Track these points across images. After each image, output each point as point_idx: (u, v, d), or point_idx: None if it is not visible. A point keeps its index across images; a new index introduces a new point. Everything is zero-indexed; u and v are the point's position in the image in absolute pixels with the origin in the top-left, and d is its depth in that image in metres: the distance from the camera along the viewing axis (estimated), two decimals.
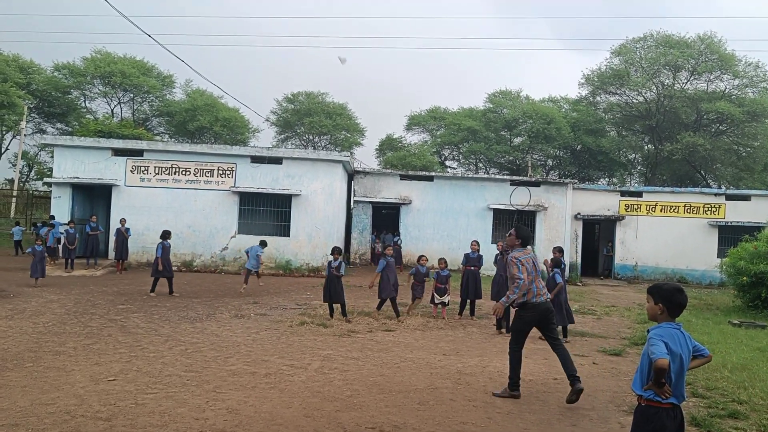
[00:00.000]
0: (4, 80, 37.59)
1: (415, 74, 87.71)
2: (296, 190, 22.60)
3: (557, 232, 26.18)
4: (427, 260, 13.89)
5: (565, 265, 12.66)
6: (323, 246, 22.65)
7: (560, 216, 26.58)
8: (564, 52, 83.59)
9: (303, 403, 6.87)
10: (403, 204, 26.62)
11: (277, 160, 23.00)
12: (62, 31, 66.60)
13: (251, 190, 22.57)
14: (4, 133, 43.83)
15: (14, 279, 17.60)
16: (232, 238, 22.71)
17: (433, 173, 28.81)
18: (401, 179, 27.12)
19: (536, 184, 27.43)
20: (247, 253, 17.81)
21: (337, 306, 12.77)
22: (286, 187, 22.67)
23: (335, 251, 13.09)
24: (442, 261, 14.03)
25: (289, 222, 22.77)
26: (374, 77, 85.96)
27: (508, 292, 7.53)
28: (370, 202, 27.02)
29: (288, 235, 22.73)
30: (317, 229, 22.75)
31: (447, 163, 50.92)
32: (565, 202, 26.73)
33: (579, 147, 46.45)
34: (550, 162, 49.81)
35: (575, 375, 7.20)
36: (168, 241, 15.89)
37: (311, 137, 50.96)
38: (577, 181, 35.20)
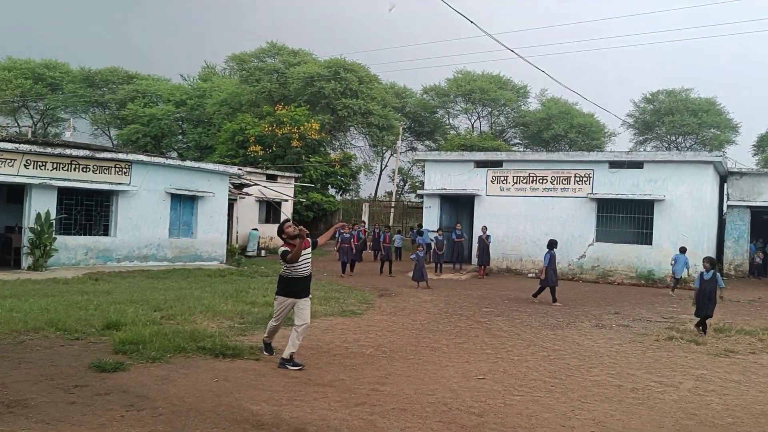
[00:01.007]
0: (383, 105, 43.07)
1: None
2: (659, 195, 21.18)
3: None
4: None
5: None
6: (691, 256, 20.74)
7: None
8: None
9: (676, 424, 6.39)
10: None
11: (638, 164, 21.89)
12: (428, 57, 73.60)
13: (609, 196, 21.88)
14: (384, 151, 50.15)
15: (396, 281, 20.00)
16: (589, 245, 22.30)
17: None
18: None
19: None
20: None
21: (709, 321, 11.62)
22: (648, 192, 21.41)
23: (707, 261, 11.94)
24: None
25: (652, 229, 21.43)
26: (748, 65, 75.95)
27: None
28: (748, 207, 23.93)
29: (650, 244, 21.43)
30: (683, 236, 20.95)
31: None
32: None
33: None
34: None
35: None
36: (554, 250, 16.12)
37: (673, 138, 47.33)
38: None
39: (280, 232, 8.36)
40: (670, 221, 21.17)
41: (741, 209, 24.17)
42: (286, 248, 8.16)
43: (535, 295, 15.96)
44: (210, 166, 23.84)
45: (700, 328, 11.64)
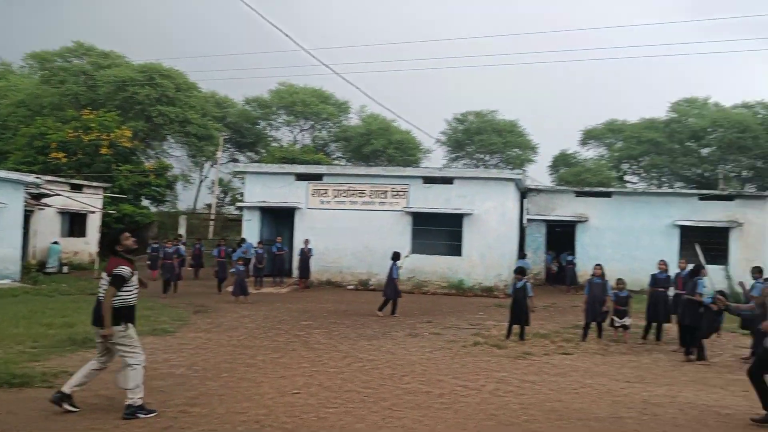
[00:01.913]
0: (203, 115, 41.73)
1: (589, 86, 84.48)
2: (468, 209, 22.60)
3: (755, 250, 23.70)
4: (601, 270, 13.12)
5: None
6: (496, 266, 22.41)
7: (759, 233, 24.08)
8: (761, 51, 75.98)
9: (478, 425, 6.79)
10: (579, 222, 25.62)
11: (449, 180, 23.20)
12: (251, 68, 72.69)
13: (423, 210, 22.94)
14: (203, 162, 48.53)
15: (214, 295, 19.34)
16: (405, 257, 23.14)
17: (611, 189, 27.51)
18: (577, 196, 26.17)
19: (729, 198, 25.13)
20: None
21: (516, 328, 12.55)
22: (458, 206, 22.76)
23: (518, 272, 12.92)
24: (621, 281, 13.31)
25: (461, 241, 22.79)
26: (546, 91, 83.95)
27: None
28: (544, 221, 26.33)
29: (460, 255, 22.76)
30: (490, 248, 22.54)
31: (626, 178, 48.32)
32: (765, 218, 24.18)
33: None
34: (745, 173, 45.45)
35: None
36: (396, 262, 16.26)
37: (482, 156, 50.87)
38: None
39: (114, 243, 6.76)
40: (477, 234, 22.64)
41: (538, 222, 26.50)
42: (125, 267, 6.66)
43: (380, 309, 16.01)
44: (2, 173, 21.51)
45: (509, 334, 12.54)
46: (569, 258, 25.12)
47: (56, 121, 35.09)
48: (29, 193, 23.65)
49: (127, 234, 6.91)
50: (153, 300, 16.71)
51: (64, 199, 26.84)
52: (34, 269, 23.34)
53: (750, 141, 40.22)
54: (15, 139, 35.44)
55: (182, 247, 23.38)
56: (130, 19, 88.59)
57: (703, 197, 25.09)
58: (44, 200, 25.81)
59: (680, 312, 11.96)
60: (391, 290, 16.06)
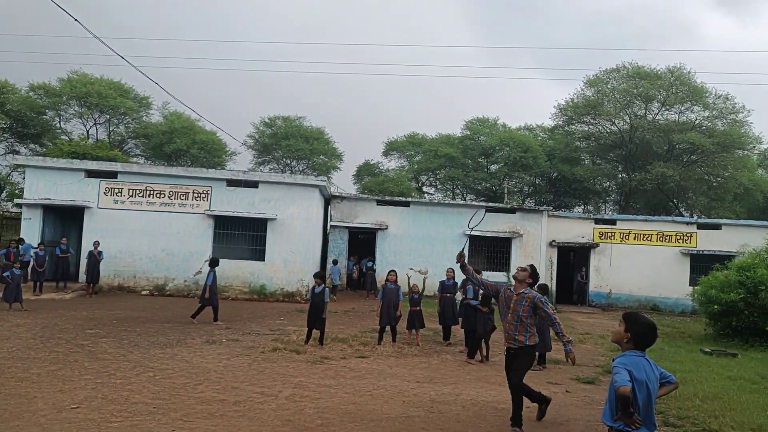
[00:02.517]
0: None
1: (394, 99, 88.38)
2: (272, 214, 22.47)
3: (533, 259, 26.29)
4: (395, 276, 13.74)
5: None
6: (299, 271, 22.51)
7: (536, 243, 26.77)
8: (544, 81, 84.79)
9: (273, 431, 6.74)
10: (380, 229, 26.61)
11: (254, 184, 22.90)
12: (38, 52, 66.05)
13: (226, 213, 22.41)
14: None
15: None
16: (205, 261, 22.40)
17: (410, 199, 28.90)
18: (378, 204, 27.15)
19: (512, 210, 27.68)
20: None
21: (315, 332, 12.64)
22: (262, 211, 22.53)
23: (318, 276, 13.02)
24: (415, 286, 14.04)
25: (265, 246, 22.59)
26: (353, 102, 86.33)
27: (563, 332, 7.08)
28: (347, 227, 26.98)
29: (263, 260, 22.54)
30: (293, 253, 22.60)
31: (424, 189, 51.11)
32: (540, 230, 26.95)
33: (555, 175, 46.95)
34: (526, 189, 50.26)
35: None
36: (216, 268, 15.63)
37: (289, 161, 50.88)
38: (552, 208, 35.61)
39: None
40: (282, 239, 22.59)
41: (341, 229, 27.08)
42: None
43: (194, 316, 15.38)
44: None
45: (308, 338, 12.60)
46: (369, 264, 25.99)
47: None
48: None
49: None
50: None
51: None
52: None
53: (531, 160, 44.53)
54: None
55: None
56: None
57: (490, 209, 27.29)
58: None
59: (461, 316, 12.99)
60: (211, 297, 15.42)
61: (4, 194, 43.18)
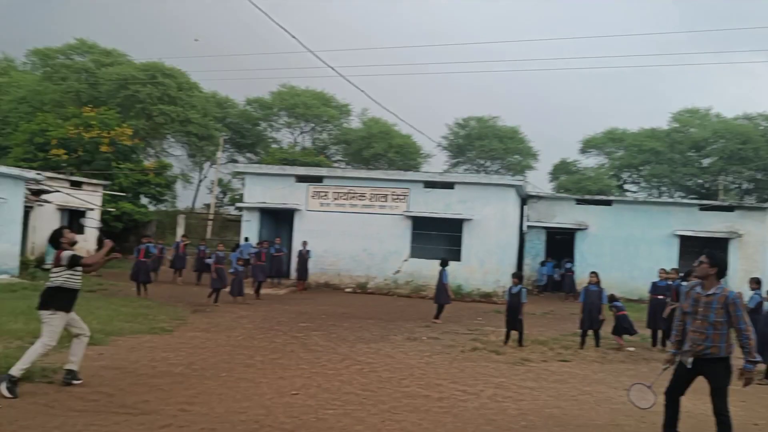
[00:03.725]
0: (204, 115, 41.75)
1: (590, 95, 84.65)
2: (468, 214, 22.61)
3: (754, 261, 23.73)
4: (597, 278, 13.10)
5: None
6: (495, 272, 22.40)
7: (758, 244, 24.12)
8: (762, 64, 76.16)
9: (476, 430, 6.78)
10: (579, 229, 25.64)
11: (450, 185, 23.21)
12: (253, 69, 72.71)
13: (423, 214, 22.95)
14: (203, 162, 48.54)
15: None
16: (404, 261, 23.18)
17: (611, 197, 27.53)
18: (577, 204, 26.21)
19: (730, 209, 25.18)
20: None
21: (513, 333, 12.52)
22: (458, 211, 22.76)
23: (515, 276, 12.89)
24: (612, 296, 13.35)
25: (461, 246, 22.78)
26: (547, 99, 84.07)
27: (751, 347, 5.87)
28: (544, 227, 26.35)
29: (459, 260, 22.75)
30: (489, 254, 22.54)
31: (626, 186, 48.41)
32: (763, 229, 24.22)
33: None
34: (745, 185, 45.53)
35: None
36: (445, 268, 16.22)
37: (482, 162, 50.94)
38: None
39: (58, 236, 7.59)
40: (477, 239, 22.65)
41: (538, 229, 26.52)
42: (75, 253, 7.52)
43: (435, 317, 15.83)
44: (2, 169, 21.48)
45: (507, 339, 12.51)
46: (568, 265, 25.14)
47: (57, 117, 35.08)
48: (29, 189, 23.61)
49: (67, 230, 7.74)
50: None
51: (63, 195, 26.83)
52: (32, 265, 23.29)
53: (751, 152, 40.31)
54: (15, 135, 35.42)
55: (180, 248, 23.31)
56: (133, 17, 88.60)
57: (703, 207, 25.12)
58: (44, 196, 25.77)
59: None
60: (444, 296, 15.97)
61: (226, 199, 48.07)
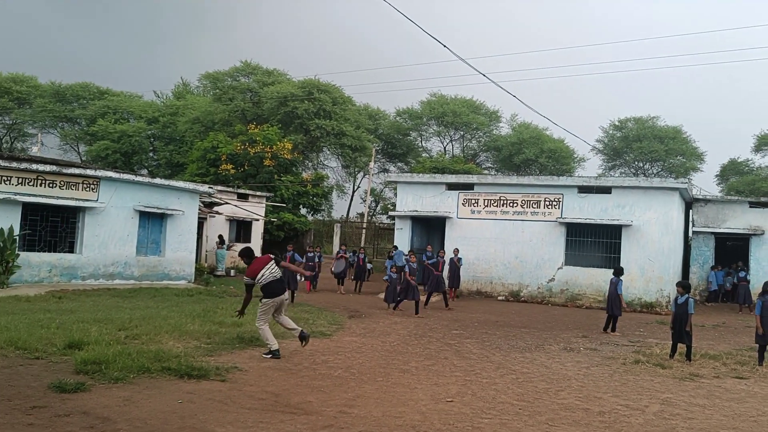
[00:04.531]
0: (357, 127, 43.25)
1: (764, 88, 77.39)
2: (627, 220, 21.51)
3: None
4: None
5: None
6: (657, 280, 21.12)
7: None
8: None
9: None
10: (754, 235, 23.50)
11: (606, 190, 22.22)
12: (402, 80, 74.21)
13: (578, 220, 22.15)
14: (356, 172, 50.24)
15: (366, 302, 19.95)
16: (558, 269, 22.50)
17: None
18: (750, 207, 24.06)
19: None
20: None
21: (680, 346, 11.72)
22: (616, 217, 21.73)
23: (681, 285, 12.09)
24: None
25: (619, 254, 21.70)
26: (714, 96, 78.05)
27: None
28: (713, 233, 24.45)
29: None
30: (650, 261, 21.28)
31: None
32: None
33: None
34: None
35: None
36: (620, 277, 15.71)
37: (641, 164, 48.27)
38: None
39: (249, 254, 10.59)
40: (637, 246, 21.48)
41: (706, 235, 24.65)
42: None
43: (612, 329, 15.36)
44: (180, 183, 23.61)
45: (673, 352, 11.74)
46: (742, 274, 23.06)
47: (226, 135, 37.97)
48: (203, 202, 25.75)
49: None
50: (303, 302, 17.60)
51: (232, 207, 28.96)
52: (206, 272, 25.34)
53: None
54: (191, 153, 38.81)
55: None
56: (290, 37, 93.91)
57: None
58: (215, 208, 27.99)
59: None
60: (616, 307, 15.45)
61: (378, 208, 49.38)
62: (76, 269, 19.71)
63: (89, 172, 20.37)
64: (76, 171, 19.96)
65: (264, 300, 9.98)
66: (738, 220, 24.03)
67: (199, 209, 24.65)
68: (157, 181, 22.93)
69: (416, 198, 24.84)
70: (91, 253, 20.03)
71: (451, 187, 24.44)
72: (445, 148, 50.84)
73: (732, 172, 45.93)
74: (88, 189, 19.87)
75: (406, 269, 17.64)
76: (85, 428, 6.02)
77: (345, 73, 75.70)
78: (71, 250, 19.88)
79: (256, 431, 6.26)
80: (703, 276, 24.42)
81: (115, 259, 20.62)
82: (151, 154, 48.66)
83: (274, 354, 9.73)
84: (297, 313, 15.22)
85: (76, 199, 19.55)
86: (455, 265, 22.13)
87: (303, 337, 10.23)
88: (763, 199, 24.93)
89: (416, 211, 24.72)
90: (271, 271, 10.06)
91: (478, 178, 25.30)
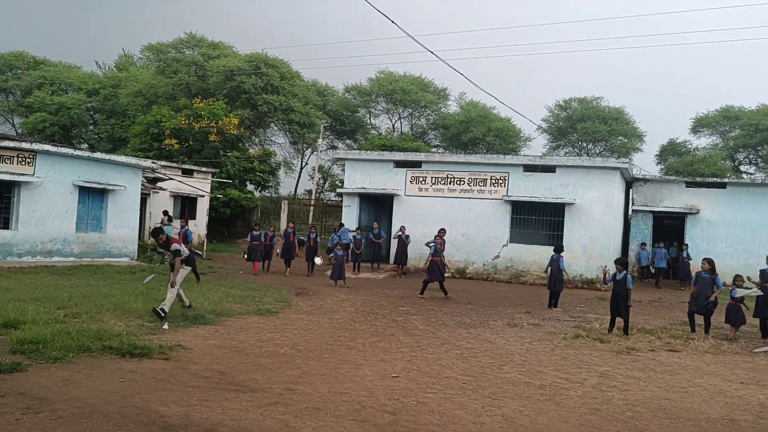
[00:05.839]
0: (305, 103, 42.73)
1: (702, 71, 79.80)
2: (570, 198, 22.01)
3: None
4: (709, 265, 12.44)
5: None
6: (598, 258, 21.72)
7: None
8: None
9: (580, 419, 6.65)
10: (690, 214, 24.38)
11: (551, 169, 22.65)
12: (351, 56, 73.63)
13: (523, 198, 22.54)
14: (304, 149, 49.77)
15: (314, 280, 19.90)
16: (503, 246, 22.90)
17: (726, 180, 25.94)
18: (687, 186, 24.90)
19: None
20: None
21: (619, 321, 12.11)
22: (560, 196, 22.20)
23: (620, 263, 12.46)
24: (739, 278, 12.57)
25: (563, 232, 22.21)
26: (653, 78, 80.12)
27: None
28: (651, 212, 25.23)
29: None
30: (592, 239, 21.88)
31: (742, 168, 45.43)
32: None
33: None
34: None
35: None
36: (561, 254, 15.92)
37: (584, 144, 49.25)
38: None
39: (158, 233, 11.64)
40: (579, 224, 22.02)
41: (644, 214, 25.43)
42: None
43: (554, 305, 15.75)
44: (122, 158, 22.93)
45: (611, 327, 12.12)
46: (684, 253, 23.59)
47: (170, 109, 36.98)
48: (145, 177, 25.10)
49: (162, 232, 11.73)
50: (250, 280, 17.44)
51: (176, 183, 28.34)
52: (149, 249, 24.79)
53: None
54: (133, 127, 37.69)
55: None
56: (237, 10, 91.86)
57: None
58: (159, 184, 27.33)
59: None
60: (558, 282, 15.72)
61: (326, 185, 49.13)
62: (12, 246, 18.99)
63: (25, 145, 19.56)
64: (11, 144, 19.14)
65: (185, 266, 11.32)
66: (675, 199, 24.85)
67: (143, 185, 24.04)
68: (98, 155, 22.19)
69: (364, 175, 24.81)
70: (28, 230, 19.33)
71: (399, 164, 24.50)
72: (393, 125, 50.78)
73: (671, 153, 47.27)
74: (23, 163, 19.10)
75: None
76: (21, 409, 5.86)
77: (293, 48, 74.61)
78: (6, 227, 19.13)
79: (200, 409, 6.20)
80: (645, 255, 24.92)
81: (53, 235, 19.95)
82: (91, 128, 47.01)
83: (165, 315, 10.47)
84: (244, 290, 15.09)
85: (11, 173, 18.76)
86: (403, 242, 22.26)
87: (158, 313, 10.63)
88: (698, 179, 25.82)
89: (364, 188, 24.70)
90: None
91: (425, 156, 25.41)
